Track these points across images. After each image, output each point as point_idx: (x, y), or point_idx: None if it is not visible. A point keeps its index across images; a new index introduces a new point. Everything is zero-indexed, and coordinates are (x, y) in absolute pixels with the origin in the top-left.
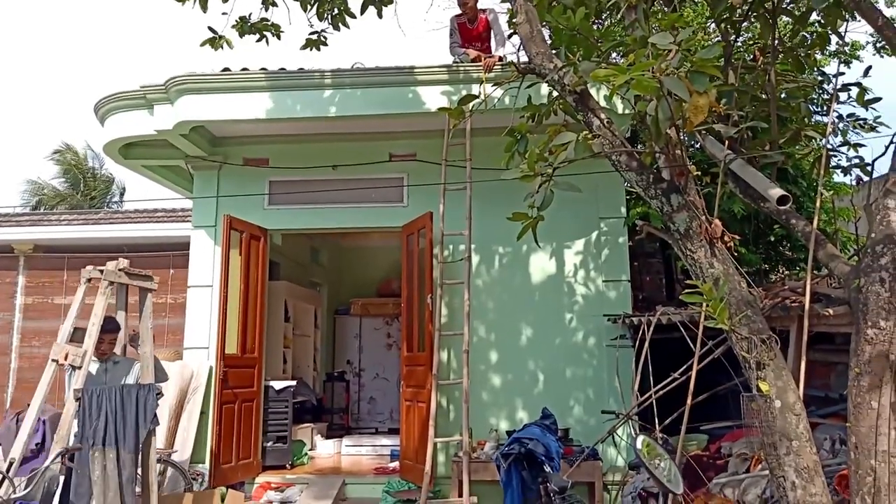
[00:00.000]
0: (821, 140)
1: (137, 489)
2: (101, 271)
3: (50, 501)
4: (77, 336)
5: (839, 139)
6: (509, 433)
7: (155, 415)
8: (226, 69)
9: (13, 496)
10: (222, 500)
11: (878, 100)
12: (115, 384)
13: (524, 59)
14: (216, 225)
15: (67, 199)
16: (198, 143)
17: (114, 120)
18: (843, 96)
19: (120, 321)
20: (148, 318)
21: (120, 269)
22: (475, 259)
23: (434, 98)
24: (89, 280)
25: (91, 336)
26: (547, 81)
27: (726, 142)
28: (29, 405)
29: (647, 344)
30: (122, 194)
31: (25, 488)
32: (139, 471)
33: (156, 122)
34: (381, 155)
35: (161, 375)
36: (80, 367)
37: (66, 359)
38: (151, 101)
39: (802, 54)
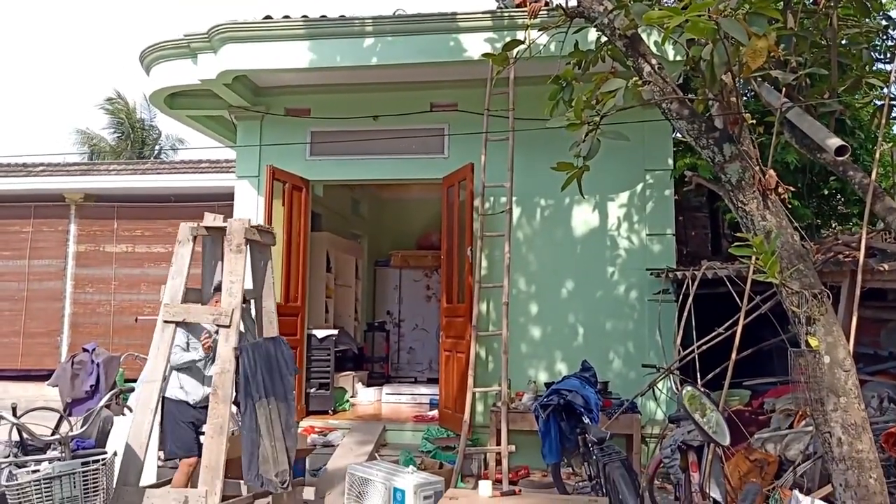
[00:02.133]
0: (883, 89)
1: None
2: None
3: (104, 440)
4: (191, 297)
5: None
6: (548, 385)
7: (294, 362)
8: (267, 17)
9: (70, 434)
10: None
11: None
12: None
13: (572, 2)
14: (259, 175)
15: (118, 152)
16: (241, 93)
17: (159, 69)
18: None
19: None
20: (270, 273)
21: (253, 226)
22: (516, 211)
23: (477, 45)
24: (195, 237)
25: (233, 294)
26: (595, 26)
27: (783, 89)
28: (85, 349)
29: (690, 299)
30: (174, 146)
31: (82, 427)
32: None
33: (200, 71)
34: (423, 105)
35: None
36: (228, 326)
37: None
38: (195, 49)
39: None
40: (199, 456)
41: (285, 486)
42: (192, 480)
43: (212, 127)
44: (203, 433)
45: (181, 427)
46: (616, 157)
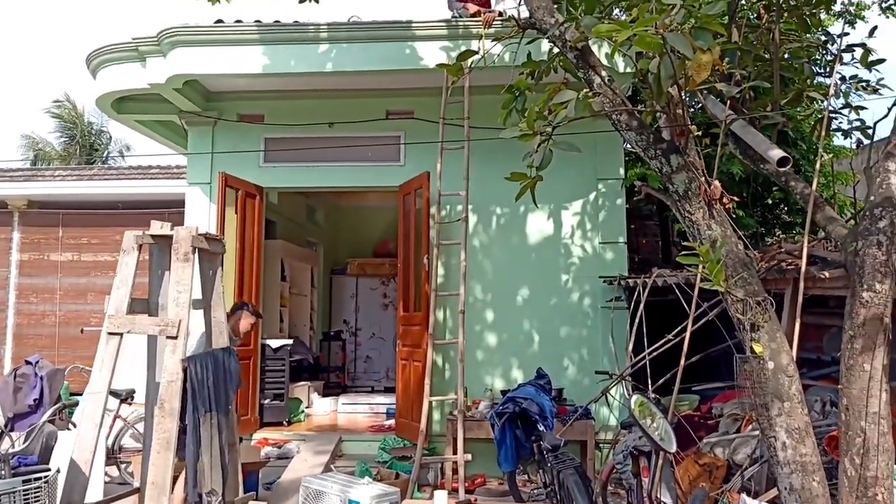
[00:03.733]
0: (822, 102)
1: None
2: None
3: (48, 456)
4: (137, 307)
5: (841, 101)
6: (504, 392)
7: (238, 377)
8: (219, 21)
9: (11, 451)
10: None
11: (881, 61)
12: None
13: (525, 13)
14: (211, 182)
15: (64, 157)
16: (191, 98)
17: (106, 73)
18: (846, 57)
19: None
20: (219, 282)
21: (200, 234)
22: (472, 219)
23: (432, 54)
24: (140, 246)
25: (180, 305)
26: (548, 37)
27: (728, 102)
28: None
29: (641, 306)
30: (121, 152)
31: (24, 443)
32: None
33: (148, 75)
34: (378, 112)
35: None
36: (175, 337)
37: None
38: (144, 53)
39: (807, 13)
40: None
41: None
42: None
43: (162, 132)
44: None
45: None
46: (569, 167)
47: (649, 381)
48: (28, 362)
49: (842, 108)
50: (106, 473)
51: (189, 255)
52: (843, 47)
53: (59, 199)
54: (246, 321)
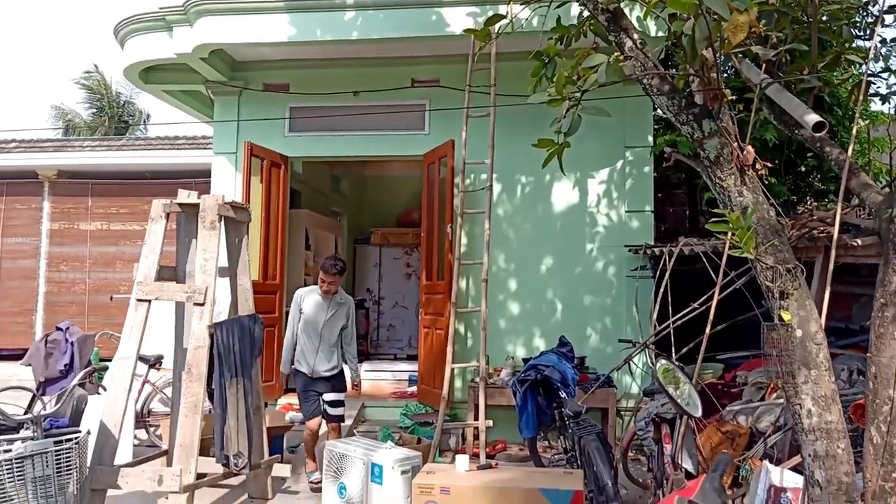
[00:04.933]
0: (861, 66)
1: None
2: (196, 205)
3: (79, 419)
4: (165, 275)
5: (880, 65)
6: (526, 360)
7: (261, 343)
8: None
9: (43, 413)
10: None
11: None
12: (339, 320)
13: None
14: (237, 152)
15: (93, 128)
16: (217, 68)
17: (133, 43)
18: (888, 19)
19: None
20: (245, 250)
21: (226, 203)
22: (497, 188)
23: (459, 20)
24: (167, 215)
25: (207, 272)
26: (578, 0)
27: (763, 65)
28: (59, 328)
29: (667, 275)
30: (144, 122)
31: (55, 405)
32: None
33: (175, 44)
34: (404, 81)
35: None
36: (202, 304)
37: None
38: (171, 22)
39: None
40: (322, 417)
41: (241, 468)
42: (316, 440)
43: (188, 102)
44: (329, 400)
45: (303, 395)
46: (597, 135)
47: (673, 350)
48: (59, 328)
49: (881, 72)
50: (135, 436)
51: (215, 223)
52: (884, 8)
53: (88, 168)
54: (321, 280)
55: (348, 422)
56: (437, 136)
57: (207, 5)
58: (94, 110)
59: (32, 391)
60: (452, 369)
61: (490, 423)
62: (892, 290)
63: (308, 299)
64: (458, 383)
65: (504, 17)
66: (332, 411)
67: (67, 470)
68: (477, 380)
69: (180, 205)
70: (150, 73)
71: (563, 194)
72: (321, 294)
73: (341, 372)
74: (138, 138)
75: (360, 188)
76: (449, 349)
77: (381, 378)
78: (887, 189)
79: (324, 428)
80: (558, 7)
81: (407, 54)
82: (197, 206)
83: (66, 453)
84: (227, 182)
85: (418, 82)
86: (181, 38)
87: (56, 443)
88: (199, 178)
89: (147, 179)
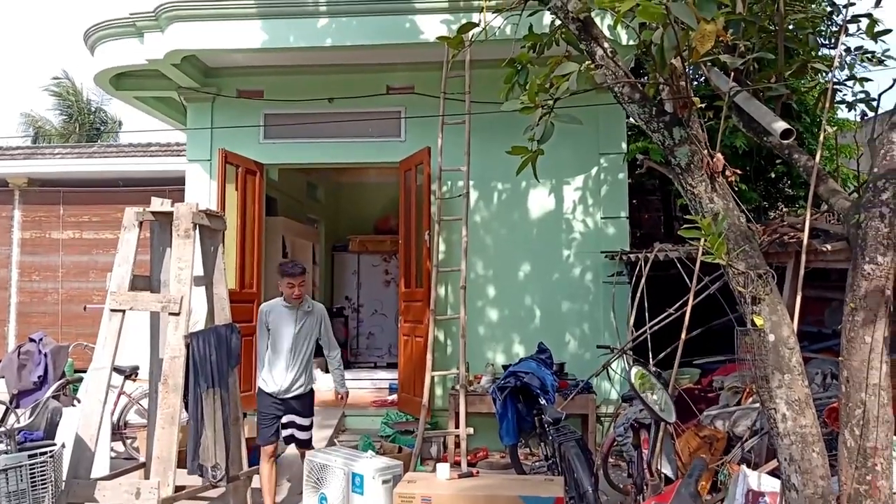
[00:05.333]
0: (827, 74)
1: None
2: (169, 213)
3: (53, 432)
4: (139, 284)
5: (846, 73)
6: (505, 367)
7: (238, 353)
8: None
9: (16, 426)
10: None
11: (887, 32)
12: (311, 332)
13: None
14: (211, 159)
15: (64, 135)
16: (190, 74)
17: (104, 49)
18: (852, 28)
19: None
20: (220, 258)
21: (201, 211)
22: (473, 195)
23: (433, 27)
24: (141, 223)
25: (182, 281)
26: (549, 8)
27: (731, 73)
28: (32, 339)
29: (643, 280)
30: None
31: (29, 418)
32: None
33: (147, 51)
34: (379, 87)
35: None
36: (178, 314)
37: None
38: (141, 28)
39: None
40: (276, 443)
41: (219, 479)
42: (273, 471)
43: (161, 109)
44: (286, 422)
45: (263, 417)
46: (571, 141)
47: (650, 355)
48: (32, 339)
49: (846, 80)
50: (112, 449)
51: (190, 231)
52: (848, 18)
53: (59, 176)
54: (282, 286)
55: (328, 432)
56: (413, 142)
57: (179, 11)
58: (65, 117)
59: (5, 404)
60: (433, 377)
61: (471, 430)
62: (861, 295)
63: (273, 313)
64: (438, 391)
65: (477, 25)
66: (301, 436)
67: (42, 484)
68: (457, 387)
69: (154, 213)
70: (121, 80)
71: (540, 201)
72: (287, 304)
73: (312, 392)
74: (110, 145)
75: (336, 195)
76: (429, 357)
77: (362, 387)
78: (855, 195)
79: (291, 450)
80: (530, 16)
81: (381, 61)
82: (171, 214)
83: (41, 467)
84: (202, 189)
85: (393, 89)
86: (152, 44)
87: (30, 456)
88: (173, 186)
89: (120, 187)
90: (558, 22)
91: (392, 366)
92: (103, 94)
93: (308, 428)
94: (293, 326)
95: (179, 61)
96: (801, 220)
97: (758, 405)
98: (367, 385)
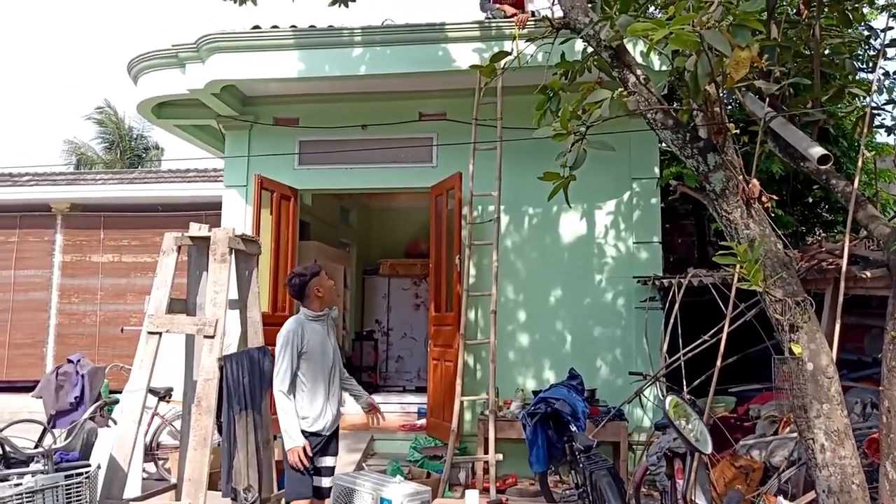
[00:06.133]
0: (865, 98)
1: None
2: (207, 238)
3: (89, 452)
4: (176, 307)
5: (884, 97)
6: (535, 393)
7: (270, 376)
8: (256, 27)
9: (54, 447)
10: None
11: None
12: (331, 340)
13: (559, 13)
14: (247, 185)
15: (108, 162)
16: (229, 103)
17: (146, 79)
18: (890, 52)
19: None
20: (255, 282)
21: (237, 236)
22: (504, 220)
23: (465, 56)
24: (179, 247)
25: (217, 304)
26: (582, 37)
27: (767, 99)
28: (70, 360)
29: (676, 306)
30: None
31: (66, 439)
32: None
33: (187, 81)
34: (411, 114)
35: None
36: (213, 336)
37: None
38: (183, 59)
39: (849, 8)
40: (314, 497)
41: (251, 502)
42: None
43: (200, 136)
44: (326, 466)
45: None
46: (603, 167)
47: (684, 382)
48: (70, 361)
49: (885, 104)
50: (144, 469)
51: (226, 255)
52: (886, 42)
53: (100, 202)
54: (320, 290)
55: (356, 456)
56: (445, 168)
57: (219, 43)
58: (107, 144)
59: (43, 424)
60: (462, 402)
61: (500, 456)
62: None
63: (307, 332)
64: (467, 416)
65: (509, 53)
66: (327, 483)
67: None
68: (486, 412)
69: (191, 238)
70: (162, 109)
71: (571, 225)
72: (315, 316)
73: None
74: (150, 171)
75: (368, 220)
76: (458, 381)
77: (390, 410)
78: (895, 220)
79: None
80: (563, 43)
81: (414, 88)
82: (208, 238)
83: (77, 487)
84: (238, 215)
85: (425, 116)
86: (193, 74)
87: (67, 477)
88: (210, 211)
89: (158, 212)
90: (590, 49)
91: (421, 390)
92: (144, 122)
93: (333, 470)
94: (329, 341)
95: (219, 91)
96: (839, 246)
97: (795, 435)
98: (396, 409)
